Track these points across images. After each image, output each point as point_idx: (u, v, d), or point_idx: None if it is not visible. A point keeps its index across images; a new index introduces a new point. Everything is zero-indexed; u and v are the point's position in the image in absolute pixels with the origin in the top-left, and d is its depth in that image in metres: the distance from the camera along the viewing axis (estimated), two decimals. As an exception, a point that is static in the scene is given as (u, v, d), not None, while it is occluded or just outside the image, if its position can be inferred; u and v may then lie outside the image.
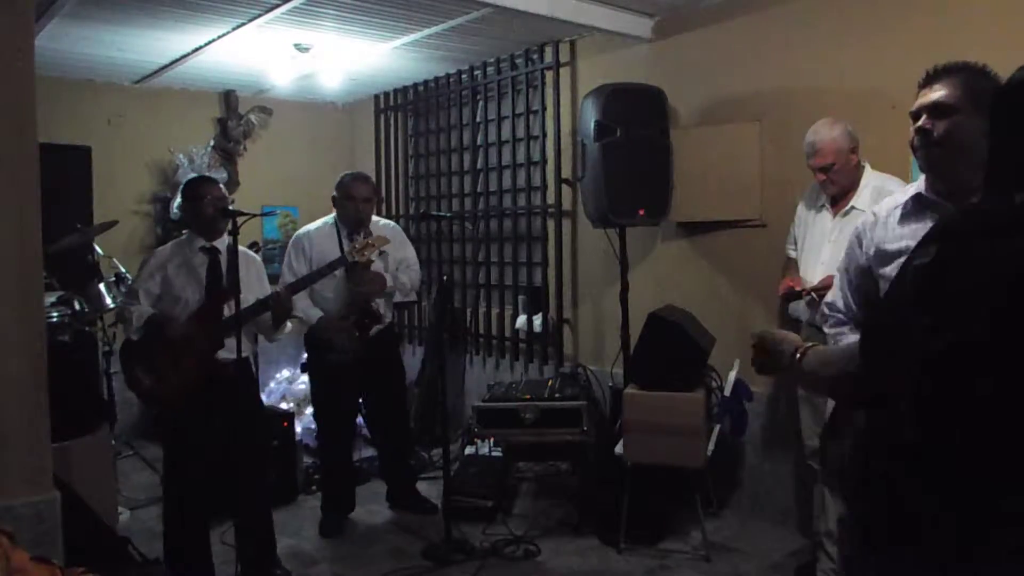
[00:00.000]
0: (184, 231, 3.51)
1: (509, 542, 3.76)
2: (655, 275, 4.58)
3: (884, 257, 1.93)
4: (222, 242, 3.33)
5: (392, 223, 4.43)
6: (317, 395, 4.26)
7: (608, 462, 3.82)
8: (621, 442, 3.70)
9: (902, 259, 1.37)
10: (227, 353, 3.26)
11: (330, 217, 4.15)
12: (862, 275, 2.01)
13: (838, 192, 3.22)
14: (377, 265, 3.96)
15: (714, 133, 4.22)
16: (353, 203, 3.97)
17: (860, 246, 2.02)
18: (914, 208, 1.91)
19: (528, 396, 4.29)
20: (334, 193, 4.08)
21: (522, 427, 4.16)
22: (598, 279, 4.91)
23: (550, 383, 4.54)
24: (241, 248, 3.46)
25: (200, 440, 3.23)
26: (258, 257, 3.68)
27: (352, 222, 3.98)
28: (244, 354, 3.28)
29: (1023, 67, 1.33)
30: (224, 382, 3.23)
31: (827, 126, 3.20)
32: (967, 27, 3.27)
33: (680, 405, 3.58)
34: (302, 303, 3.86)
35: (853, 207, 3.16)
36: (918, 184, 1.94)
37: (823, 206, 3.33)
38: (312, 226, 4.17)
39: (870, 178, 3.20)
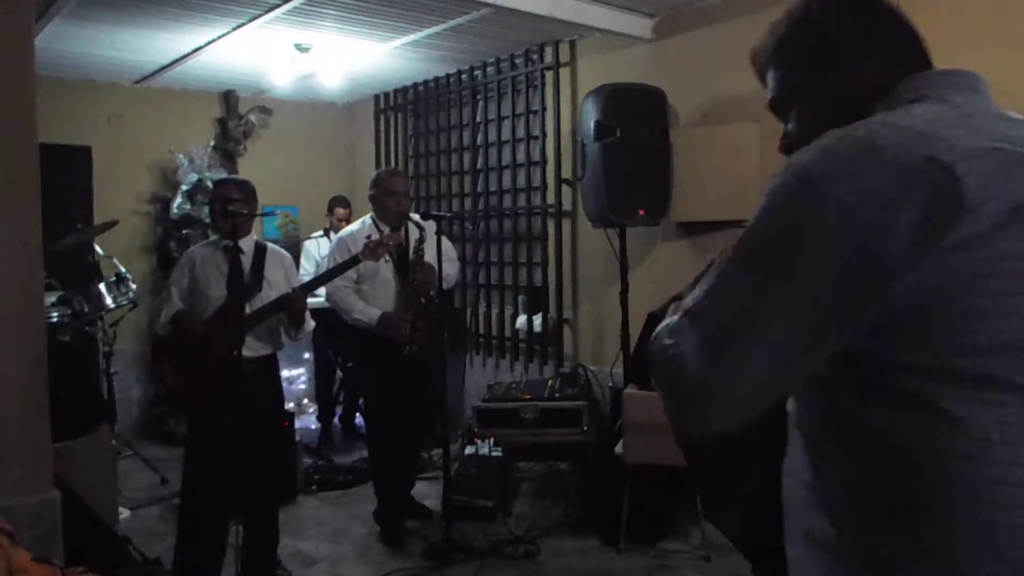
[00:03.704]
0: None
1: (509, 542, 3.75)
2: (655, 275, 4.58)
3: None
4: (246, 242, 3.37)
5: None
6: (381, 395, 4.04)
7: (608, 462, 3.82)
8: (621, 442, 3.70)
9: None
10: (249, 351, 3.27)
11: (366, 217, 4.08)
12: None
13: None
14: (429, 257, 3.88)
15: (714, 133, 4.22)
16: (394, 197, 3.93)
17: None
18: None
19: (528, 396, 4.28)
20: (370, 191, 4.01)
21: (522, 427, 4.15)
22: (598, 279, 4.91)
23: (550, 383, 4.54)
24: (273, 247, 3.50)
25: (219, 438, 3.23)
26: (288, 255, 3.66)
27: (394, 216, 3.93)
28: (265, 352, 3.34)
29: None
30: (245, 380, 3.24)
31: None
32: (965, 26, 3.27)
33: (680, 405, 3.57)
34: (358, 305, 3.84)
35: None
36: None
37: None
38: (353, 227, 4.11)
39: None
